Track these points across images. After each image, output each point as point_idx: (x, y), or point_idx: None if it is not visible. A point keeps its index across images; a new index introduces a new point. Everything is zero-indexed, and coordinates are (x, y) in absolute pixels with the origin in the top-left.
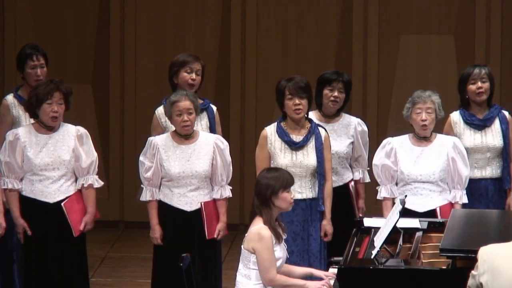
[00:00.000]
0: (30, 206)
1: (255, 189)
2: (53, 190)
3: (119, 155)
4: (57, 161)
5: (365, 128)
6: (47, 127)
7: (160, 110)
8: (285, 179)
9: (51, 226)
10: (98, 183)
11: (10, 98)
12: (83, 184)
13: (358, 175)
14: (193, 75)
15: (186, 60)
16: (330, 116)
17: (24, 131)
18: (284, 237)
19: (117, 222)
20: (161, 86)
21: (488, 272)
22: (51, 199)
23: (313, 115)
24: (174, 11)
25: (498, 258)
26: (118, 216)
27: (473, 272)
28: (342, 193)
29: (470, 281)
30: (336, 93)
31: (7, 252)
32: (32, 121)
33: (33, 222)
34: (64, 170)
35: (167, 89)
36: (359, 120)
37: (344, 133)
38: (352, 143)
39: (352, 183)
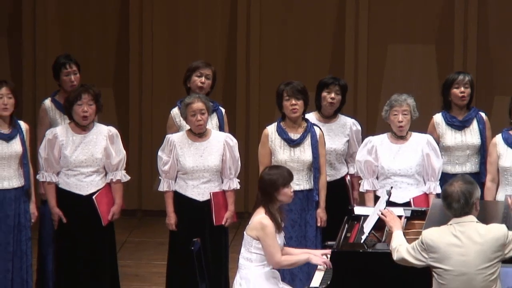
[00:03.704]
0: (65, 197)
1: (259, 185)
2: (86, 184)
3: (137, 151)
4: (91, 159)
5: (359, 128)
6: (81, 126)
7: (175, 111)
8: (286, 177)
9: (83, 215)
10: (126, 178)
11: (47, 102)
12: (112, 178)
13: (352, 170)
14: (203, 79)
15: (197, 65)
16: (328, 117)
17: (62, 131)
18: (283, 225)
19: (135, 210)
20: (174, 89)
21: (437, 258)
22: (84, 191)
23: (313, 115)
24: (186, 25)
25: (443, 244)
26: (136, 205)
27: (419, 252)
28: (339, 186)
29: (413, 257)
30: (333, 95)
31: (43, 239)
32: (68, 120)
33: (67, 211)
34: (96, 167)
35: (180, 91)
36: (353, 120)
37: (341, 132)
38: (348, 141)
39: (348, 176)
